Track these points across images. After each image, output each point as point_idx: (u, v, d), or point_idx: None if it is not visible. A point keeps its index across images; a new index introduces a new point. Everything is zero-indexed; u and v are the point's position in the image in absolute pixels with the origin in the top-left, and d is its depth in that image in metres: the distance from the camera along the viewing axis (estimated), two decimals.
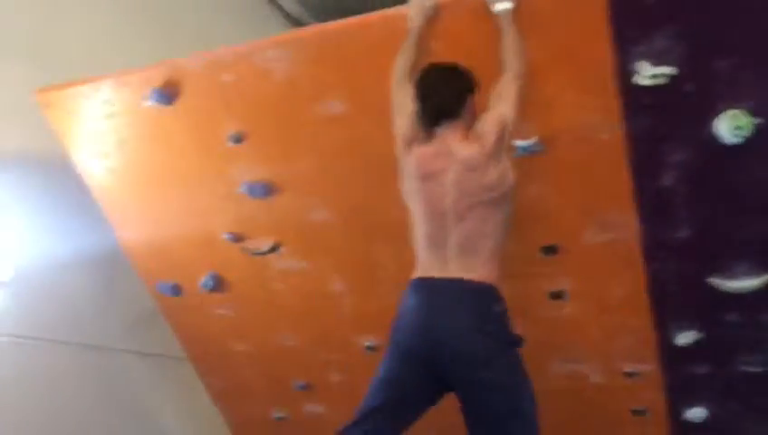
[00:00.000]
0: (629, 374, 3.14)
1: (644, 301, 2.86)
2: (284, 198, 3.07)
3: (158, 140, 3.09)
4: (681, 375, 3.06)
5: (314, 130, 2.84)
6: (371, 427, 2.22)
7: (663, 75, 2.29)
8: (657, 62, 2.28)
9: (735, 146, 2.34)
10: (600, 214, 2.68)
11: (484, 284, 2.21)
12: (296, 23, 5.99)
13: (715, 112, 2.32)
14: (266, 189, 3.05)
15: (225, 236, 3.27)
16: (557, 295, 2.97)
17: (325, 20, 6.34)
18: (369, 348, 3.46)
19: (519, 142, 2.49)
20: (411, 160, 2.31)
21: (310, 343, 3.59)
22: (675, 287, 2.79)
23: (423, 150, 2.30)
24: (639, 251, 2.72)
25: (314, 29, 2.67)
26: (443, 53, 2.40)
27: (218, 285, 3.47)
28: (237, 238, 3.27)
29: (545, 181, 2.66)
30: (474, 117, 2.29)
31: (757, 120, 2.28)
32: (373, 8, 2.52)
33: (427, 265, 2.29)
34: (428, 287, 2.25)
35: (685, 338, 2.91)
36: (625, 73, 2.34)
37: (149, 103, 2.94)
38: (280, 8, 5.73)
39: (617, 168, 2.53)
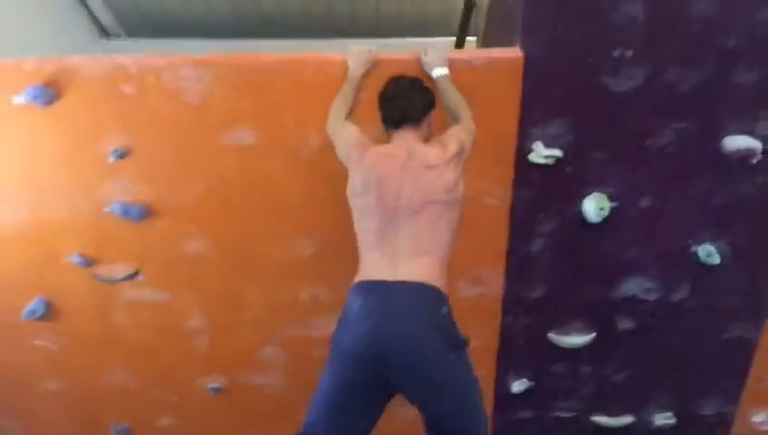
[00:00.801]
0: None
1: (493, 352, 3.21)
2: (160, 223, 2.87)
3: (18, 141, 2.70)
4: (508, 420, 3.45)
5: (215, 159, 2.74)
6: None
7: (552, 156, 2.70)
8: (550, 144, 2.69)
9: (595, 224, 2.83)
10: (475, 270, 2.99)
11: (434, 287, 2.16)
12: (107, 35, 5.75)
13: (585, 193, 2.80)
14: (142, 212, 2.83)
15: (74, 258, 2.93)
16: None
17: (137, 36, 6.08)
18: (213, 390, 3.31)
19: None
20: (368, 157, 2.29)
21: (144, 382, 3.31)
22: (521, 340, 3.18)
23: (381, 148, 2.33)
24: (499, 305, 3.08)
25: (242, 56, 2.60)
26: (371, 104, 2.52)
27: (47, 312, 3.06)
28: (88, 262, 2.95)
29: None
30: (430, 131, 2.40)
31: (614, 204, 2.80)
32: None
33: (374, 266, 2.21)
34: (378, 290, 2.14)
35: (519, 386, 3.32)
36: (523, 151, 2.71)
37: (20, 100, 2.58)
38: (95, 20, 5.39)
39: (497, 231, 2.88)
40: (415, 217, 2.21)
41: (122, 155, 2.71)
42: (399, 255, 2.20)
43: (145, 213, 2.83)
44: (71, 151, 2.72)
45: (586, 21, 2.48)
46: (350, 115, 2.47)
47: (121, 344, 3.19)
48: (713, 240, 2.90)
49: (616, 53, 2.52)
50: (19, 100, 2.58)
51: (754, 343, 3.16)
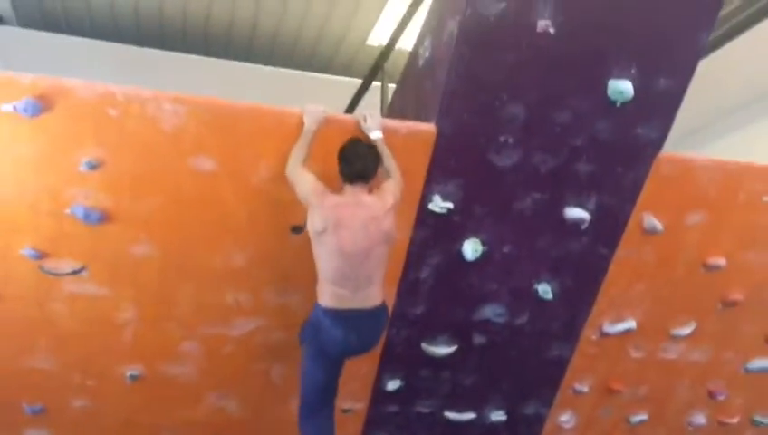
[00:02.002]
0: (345, 411, 4.15)
1: (377, 356, 3.96)
2: (113, 227, 3.28)
3: None
4: (378, 412, 4.22)
5: (175, 179, 3.23)
6: (325, 406, 3.36)
7: (445, 207, 3.53)
8: (445, 198, 3.51)
9: (469, 261, 3.69)
10: None
11: (382, 305, 3.26)
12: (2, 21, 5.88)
13: (464, 237, 3.65)
14: (101, 217, 3.23)
15: (26, 251, 3.25)
16: None
17: (30, 27, 6.22)
18: (131, 377, 3.73)
19: None
20: (327, 207, 3.01)
21: (66, 367, 3.65)
22: (400, 348, 3.96)
23: (337, 200, 3.05)
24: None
25: (215, 100, 3.12)
26: (317, 155, 3.18)
27: None
28: (40, 256, 3.28)
29: None
30: (375, 184, 3.15)
31: (485, 248, 3.68)
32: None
33: (339, 296, 3.12)
34: (348, 319, 3.14)
35: (392, 385, 4.10)
36: (425, 200, 3.50)
37: (8, 108, 2.92)
38: None
39: (397, 260, 3.63)
40: (365, 258, 3.08)
41: (93, 166, 3.11)
42: (357, 287, 3.13)
43: (103, 218, 3.24)
44: (45, 158, 3.07)
45: (484, 113, 3.33)
46: (306, 161, 3.10)
47: (51, 331, 3.52)
48: (549, 281, 3.88)
49: (501, 139, 3.40)
50: (7, 108, 2.91)
51: (567, 360, 4.21)
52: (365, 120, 3.23)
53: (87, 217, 3.21)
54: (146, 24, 6.23)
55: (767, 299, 4.20)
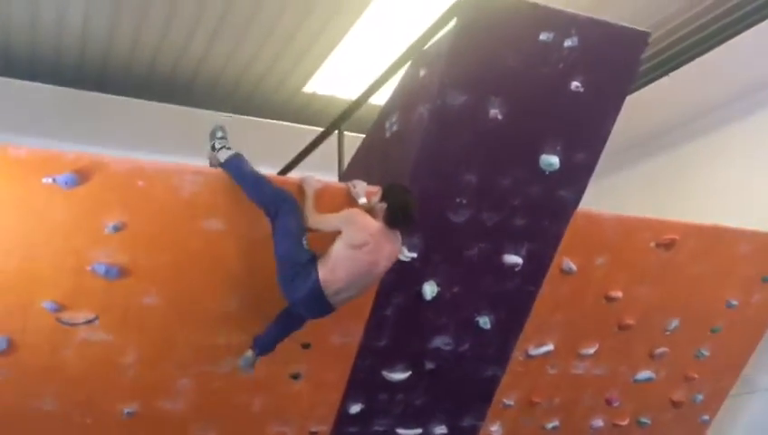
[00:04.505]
0: (312, 433, 4.71)
1: (344, 383, 4.56)
2: (128, 281, 3.69)
3: (32, 209, 3.36)
4: (340, 433, 4.81)
5: (187, 237, 3.70)
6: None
7: (410, 257, 4.22)
8: (411, 249, 4.21)
9: (427, 300, 4.40)
10: (346, 325, 4.33)
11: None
12: None
13: (424, 280, 4.36)
14: (119, 273, 3.63)
15: (47, 304, 3.58)
16: (295, 376, 4.41)
17: None
18: (128, 414, 4.10)
19: None
20: (371, 231, 3.58)
21: (68, 407, 3.97)
22: (363, 375, 4.59)
23: (379, 227, 3.62)
24: (355, 350, 4.46)
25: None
26: None
27: (6, 348, 3.62)
28: (58, 308, 3.62)
29: None
30: None
31: (439, 289, 4.40)
32: None
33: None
34: (317, 301, 3.61)
35: (354, 408, 4.71)
36: None
37: (48, 181, 3.29)
38: None
39: (367, 300, 4.27)
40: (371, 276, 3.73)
41: (118, 229, 3.52)
42: (346, 290, 3.67)
43: (121, 273, 3.64)
44: (75, 223, 3.45)
45: (445, 179, 4.07)
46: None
47: (60, 376, 3.83)
48: (487, 314, 4.67)
49: (458, 200, 4.16)
50: (48, 181, 3.28)
51: (499, 379, 5.01)
52: (353, 187, 3.86)
53: (107, 273, 3.60)
54: (90, 65, 6.42)
55: (652, 323, 5.24)
